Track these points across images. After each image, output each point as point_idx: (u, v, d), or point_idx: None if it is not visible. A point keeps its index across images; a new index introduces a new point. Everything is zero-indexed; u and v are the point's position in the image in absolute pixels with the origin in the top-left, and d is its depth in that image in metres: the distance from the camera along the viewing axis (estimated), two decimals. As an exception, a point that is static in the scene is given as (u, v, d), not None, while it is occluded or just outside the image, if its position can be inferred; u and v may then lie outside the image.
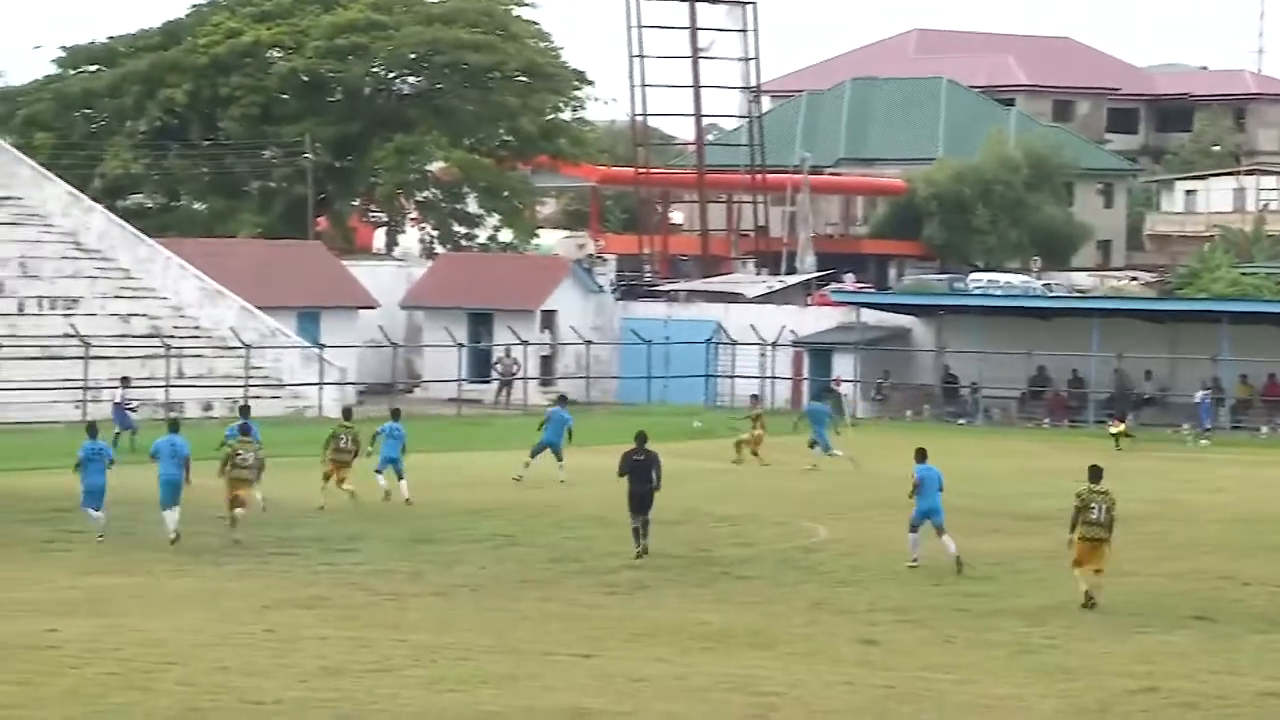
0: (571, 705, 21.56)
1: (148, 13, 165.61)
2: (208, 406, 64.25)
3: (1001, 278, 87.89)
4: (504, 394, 75.11)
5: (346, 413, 44.11)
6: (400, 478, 41.16)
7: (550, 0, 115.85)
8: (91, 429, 37.11)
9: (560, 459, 45.89)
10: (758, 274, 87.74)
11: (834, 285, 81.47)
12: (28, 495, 40.52)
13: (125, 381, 55.96)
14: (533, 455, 46.19)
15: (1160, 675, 24.39)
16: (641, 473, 34.33)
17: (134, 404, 54.37)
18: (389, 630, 26.26)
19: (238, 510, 35.40)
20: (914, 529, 33.08)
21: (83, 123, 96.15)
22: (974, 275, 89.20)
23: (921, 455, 33.64)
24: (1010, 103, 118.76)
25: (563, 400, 50.12)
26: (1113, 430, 59.38)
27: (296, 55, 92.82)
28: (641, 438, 35.16)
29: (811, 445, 51.49)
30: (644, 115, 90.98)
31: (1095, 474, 30.00)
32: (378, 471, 41.17)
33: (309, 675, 23.10)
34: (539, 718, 20.93)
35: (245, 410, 43.73)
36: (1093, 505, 29.53)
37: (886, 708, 22.16)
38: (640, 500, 34.14)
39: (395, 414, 43.63)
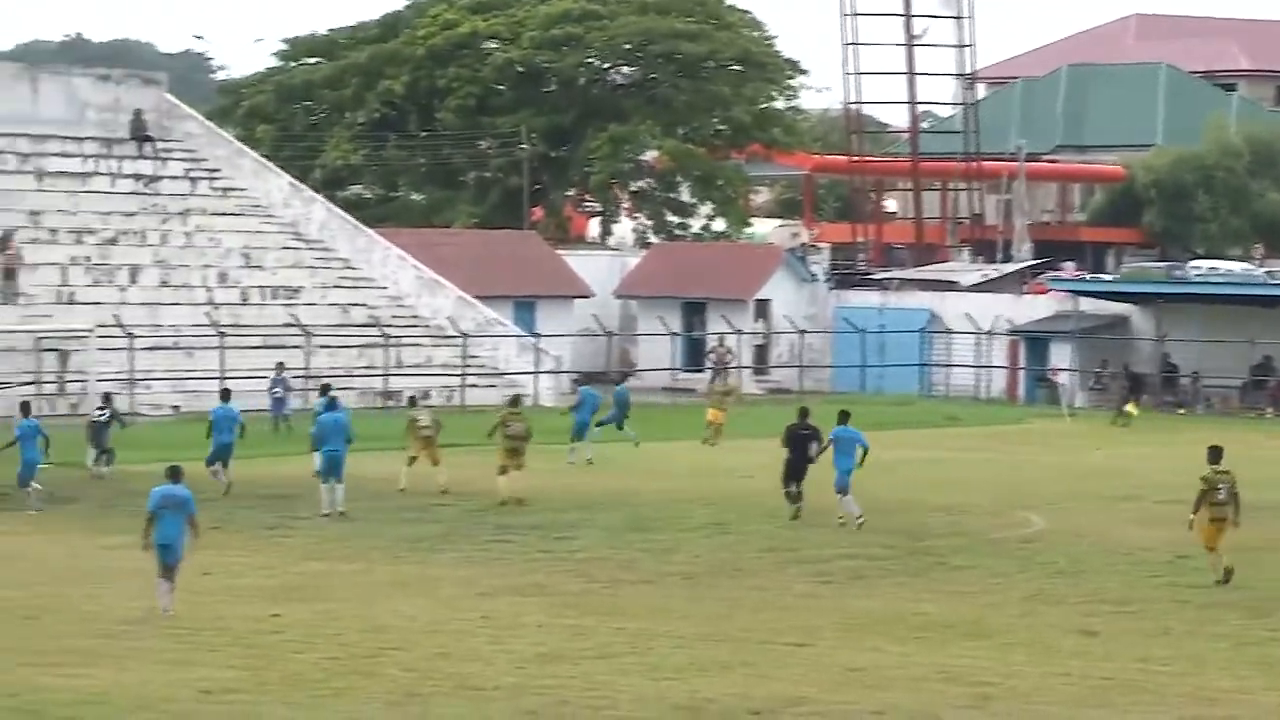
0: (788, 694, 21.53)
1: (367, 5, 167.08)
2: (425, 395, 64.75)
3: (1222, 265, 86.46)
4: (720, 383, 74.99)
5: (515, 401, 44.48)
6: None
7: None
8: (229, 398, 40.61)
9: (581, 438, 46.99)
10: (973, 262, 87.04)
11: (1051, 273, 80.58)
12: (253, 481, 41.06)
13: (280, 367, 56.43)
14: (575, 439, 46.93)
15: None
16: (801, 445, 36.63)
17: (279, 392, 54.78)
18: (605, 617, 26.37)
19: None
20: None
21: (303, 114, 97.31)
22: (1194, 263, 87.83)
23: (843, 418, 37.22)
24: (1232, 88, 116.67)
25: (588, 379, 49.31)
26: None
27: (512, 46, 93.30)
28: (804, 413, 37.58)
29: None
30: (858, 103, 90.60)
31: (1215, 454, 30.34)
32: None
33: (526, 661, 23.25)
34: (755, 706, 20.91)
35: (326, 389, 44.13)
36: (1219, 486, 29.86)
37: (1105, 699, 21.90)
38: (796, 469, 36.65)
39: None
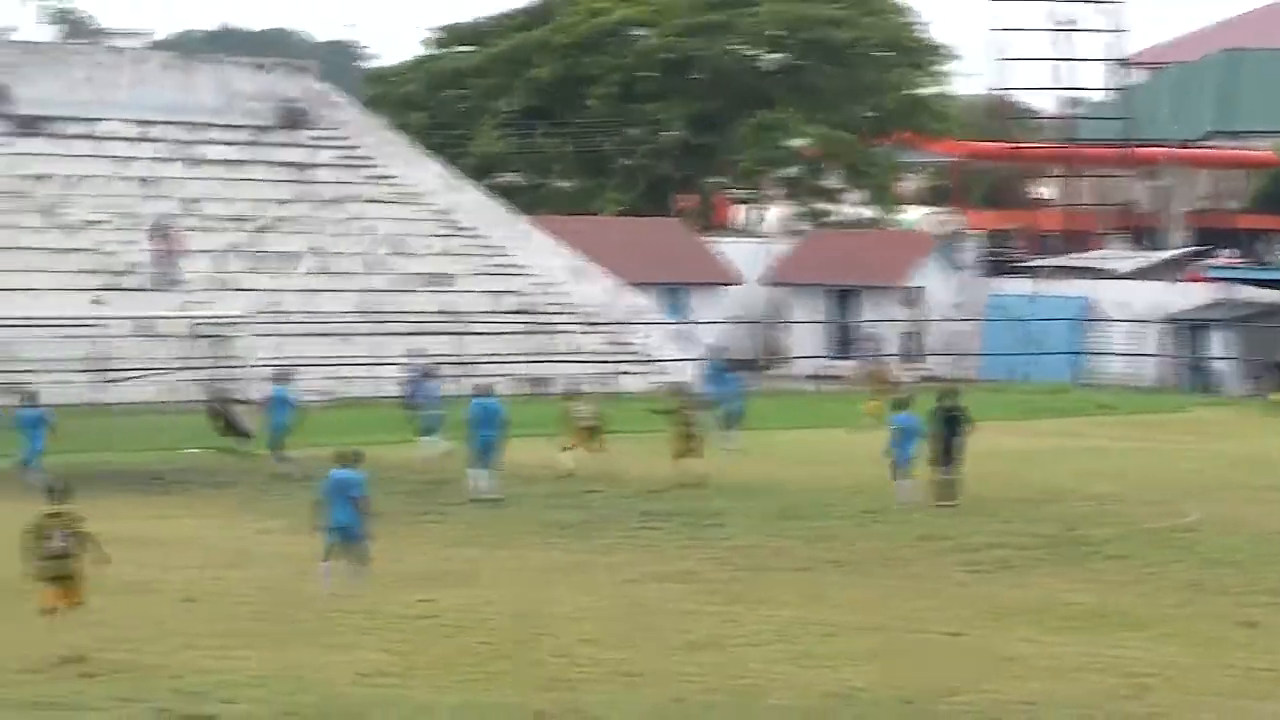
0: (940, 684, 21.41)
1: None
2: (576, 381, 64.92)
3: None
4: (867, 370, 74.83)
5: (677, 390, 44.60)
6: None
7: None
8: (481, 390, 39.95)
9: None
10: (1127, 250, 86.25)
11: (1208, 260, 79.74)
12: (405, 467, 41.33)
13: (415, 355, 56.44)
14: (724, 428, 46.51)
15: None
16: (951, 426, 36.87)
17: (414, 379, 54.78)
18: (754, 605, 26.31)
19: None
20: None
21: (453, 102, 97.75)
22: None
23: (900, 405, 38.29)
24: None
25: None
26: None
27: (658, 33, 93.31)
28: (951, 394, 37.96)
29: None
30: (1008, 89, 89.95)
31: None
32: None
33: (675, 649, 23.23)
34: (907, 695, 20.82)
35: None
36: None
37: (1267, 690, 21.59)
38: (948, 453, 36.71)
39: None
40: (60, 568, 22.72)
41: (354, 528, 26.85)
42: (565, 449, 41.60)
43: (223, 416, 45.58)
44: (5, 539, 24.51)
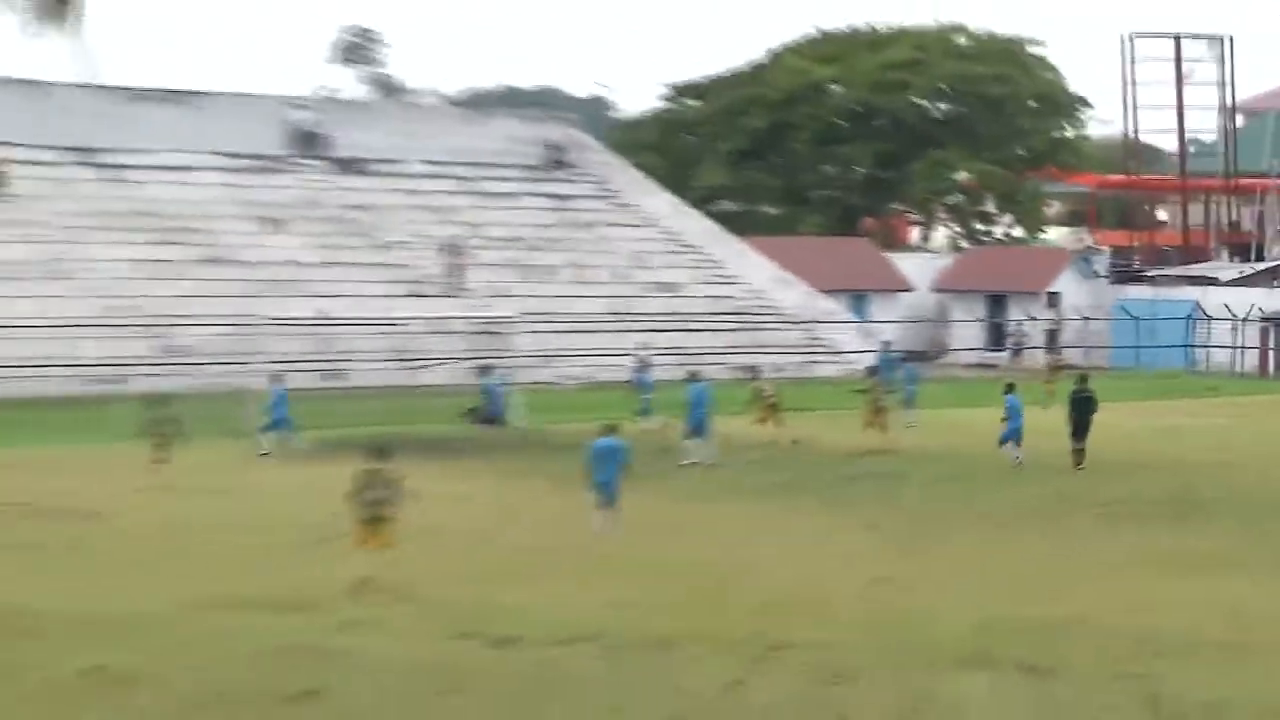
0: (1076, 615, 21.11)
1: (735, 56, 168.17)
2: (779, 369, 64.80)
3: None
4: (1015, 361, 74.18)
5: (871, 369, 44.15)
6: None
7: (1058, 37, 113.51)
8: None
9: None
10: (1231, 262, 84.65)
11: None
12: (644, 439, 41.29)
13: (640, 347, 56.40)
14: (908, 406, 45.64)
15: None
16: (1082, 407, 36.38)
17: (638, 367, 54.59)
18: (927, 550, 26.08)
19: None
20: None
21: (683, 145, 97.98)
22: None
23: (1009, 388, 37.85)
24: None
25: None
26: None
27: (851, 89, 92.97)
28: (1083, 379, 37.50)
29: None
30: (1135, 132, 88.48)
31: None
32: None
33: (862, 585, 23.08)
34: (1046, 623, 20.57)
35: (695, 374, 43.48)
36: None
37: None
38: (1080, 428, 36.18)
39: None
40: (374, 512, 22.97)
41: (612, 485, 27.05)
42: (759, 423, 41.37)
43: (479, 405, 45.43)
44: (328, 492, 24.99)
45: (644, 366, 49.83)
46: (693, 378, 39.49)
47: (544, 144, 73.80)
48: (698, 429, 37.46)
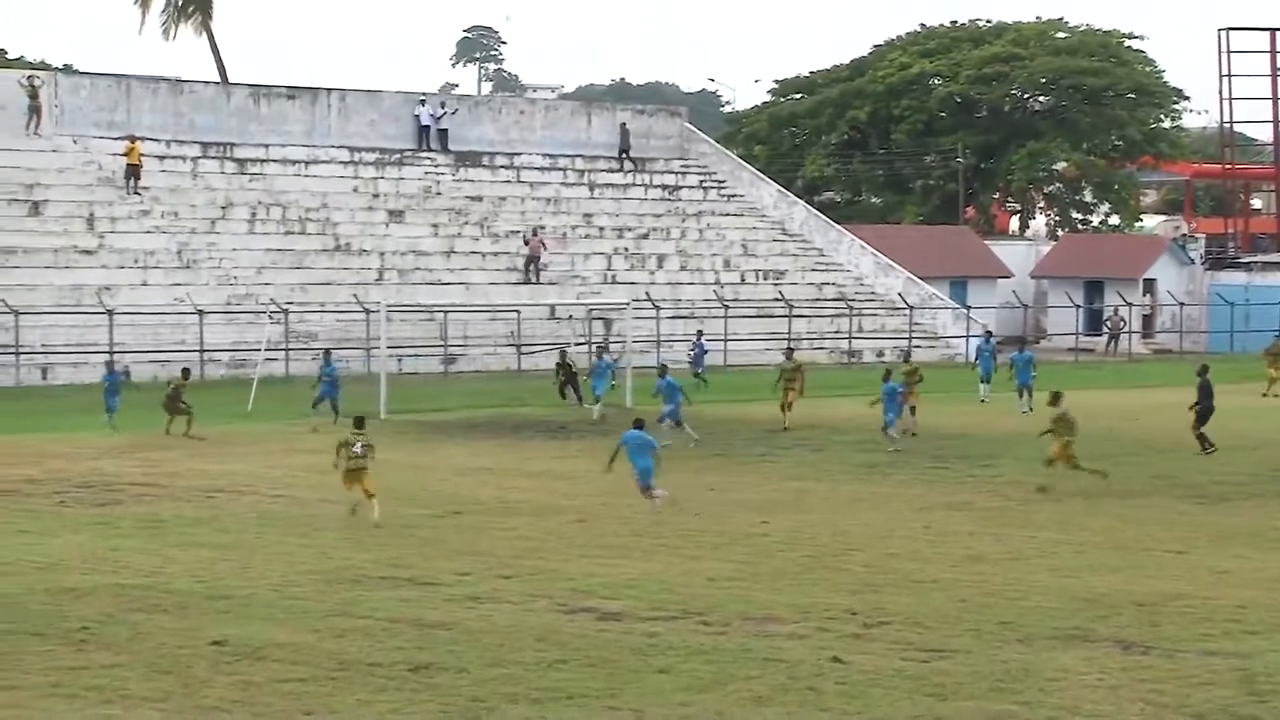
0: (1166, 591, 20.82)
1: (840, 51, 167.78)
2: (880, 354, 64.57)
3: None
4: (1112, 345, 73.41)
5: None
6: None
7: (1156, 30, 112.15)
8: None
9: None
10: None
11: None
12: (748, 421, 41.33)
13: (699, 334, 55.86)
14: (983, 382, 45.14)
15: None
16: (1205, 393, 35.36)
17: (695, 351, 54.02)
18: (1019, 528, 25.83)
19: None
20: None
21: (789, 137, 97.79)
22: None
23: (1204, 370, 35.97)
24: None
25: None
26: None
27: (952, 82, 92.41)
28: (1204, 369, 36.14)
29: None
30: (1230, 122, 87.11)
31: None
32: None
33: (958, 562, 22.92)
34: (1140, 599, 20.28)
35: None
36: None
37: None
38: (1204, 414, 35.18)
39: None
40: (355, 464, 25.96)
41: (649, 472, 26.81)
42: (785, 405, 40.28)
43: (565, 375, 45.36)
44: (441, 470, 24.99)
45: (702, 351, 50.16)
46: (662, 372, 38.03)
47: (653, 137, 73.70)
48: (671, 416, 36.03)
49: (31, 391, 48.72)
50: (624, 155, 71.47)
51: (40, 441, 36.36)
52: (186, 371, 40.88)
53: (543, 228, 64.05)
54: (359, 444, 26.06)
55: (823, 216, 73.70)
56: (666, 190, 71.46)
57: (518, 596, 20.22)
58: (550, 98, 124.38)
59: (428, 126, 68.21)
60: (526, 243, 62.54)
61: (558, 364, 45.77)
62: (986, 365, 47.89)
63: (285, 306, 54.98)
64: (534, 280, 61.58)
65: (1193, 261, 78.00)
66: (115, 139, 60.78)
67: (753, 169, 76.43)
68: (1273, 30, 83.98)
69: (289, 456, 33.88)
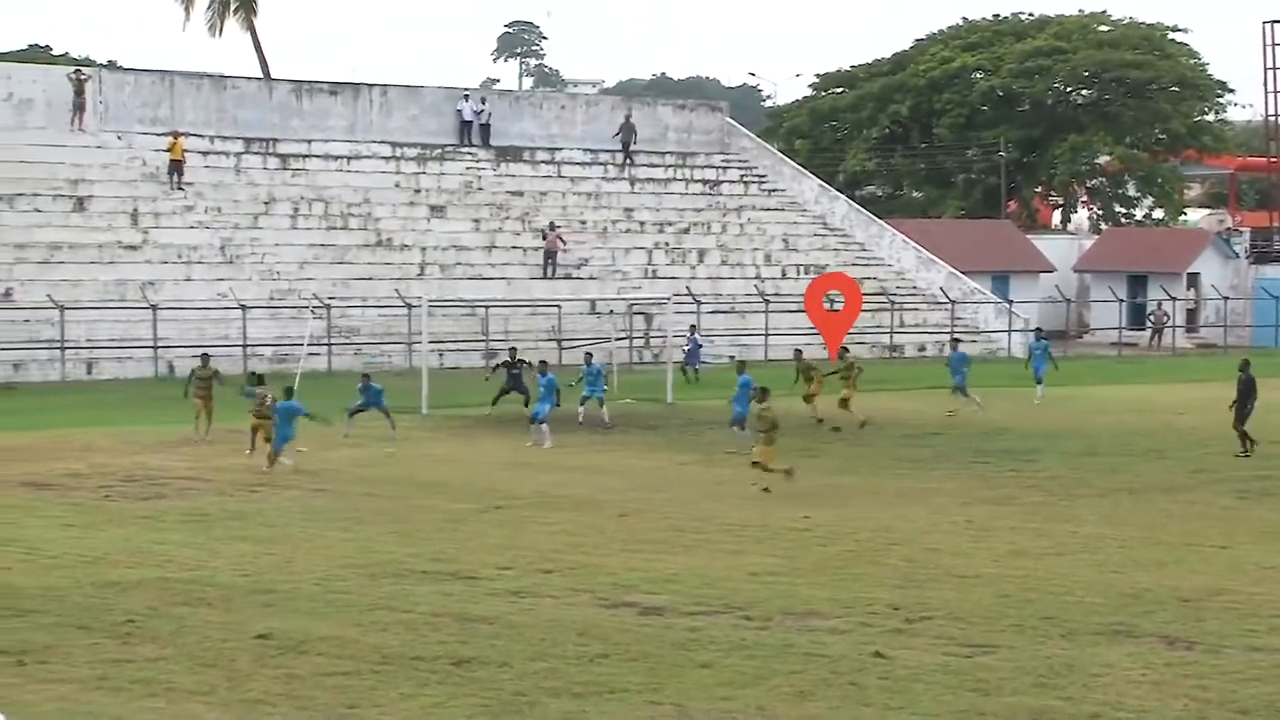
0: (1211, 586, 20.72)
1: (881, 45, 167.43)
2: (921, 348, 64.43)
3: None
4: (1156, 340, 73.08)
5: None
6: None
7: (1200, 23, 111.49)
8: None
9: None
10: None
11: None
12: (789, 414, 41.11)
13: (693, 329, 55.72)
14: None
15: None
16: (1245, 391, 34.63)
17: (689, 347, 53.69)
18: (1063, 523, 25.75)
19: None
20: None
21: (830, 132, 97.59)
22: None
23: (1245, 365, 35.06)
24: None
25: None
26: None
27: (994, 76, 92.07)
28: (1245, 365, 35.26)
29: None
30: (1275, 115, 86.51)
31: None
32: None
33: (1000, 556, 22.85)
34: (1184, 595, 20.18)
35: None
36: None
37: None
38: (1242, 413, 34.44)
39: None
40: (262, 425, 31.38)
41: None
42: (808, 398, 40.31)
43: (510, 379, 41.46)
44: (484, 464, 25.00)
45: (698, 345, 50.11)
46: (543, 368, 37.03)
47: (694, 131, 73.65)
48: (537, 415, 35.52)
49: (77, 386, 49.04)
50: (626, 150, 70.65)
51: (85, 435, 36.57)
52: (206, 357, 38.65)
53: (560, 225, 63.85)
54: (263, 407, 31.18)
55: (864, 211, 73.54)
56: (707, 185, 71.42)
57: (559, 591, 20.24)
58: (591, 93, 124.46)
59: (470, 121, 68.33)
60: (544, 238, 62.52)
61: (503, 364, 42.07)
62: (1039, 365, 46.41)
63: (327, 302, 55.18)
64: (551, 275, 61.49)
65: (1237, 255, 77.57)
66: (159, 135, 61.12)
67: (794, 163, 76.32)
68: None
69: (330, 451, 33.97)
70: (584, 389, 39.44)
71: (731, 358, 58.52)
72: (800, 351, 43.69)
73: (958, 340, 48.43)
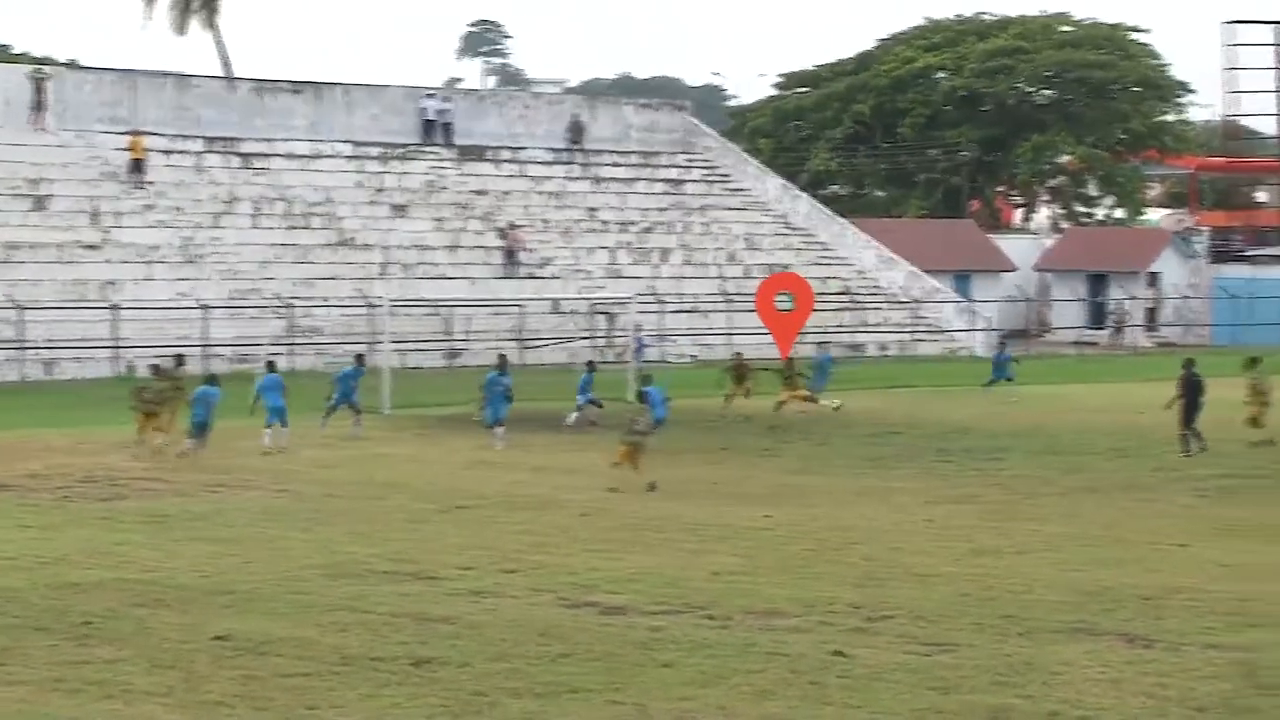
0: (1170, 584, 20.77)
1: (845, 45, 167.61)
2: (883, 347, 64.56)
3: None
4: (1117, 338, 73.41)
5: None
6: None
7: (1161, 23, 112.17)
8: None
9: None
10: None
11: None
12: (751, 415, 41.26)
13: (637, 327, 55.52)
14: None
15: None
16: (1193, 391, 34.31)
17: (637, 345, 53.51)
18: (1024, 522, 25.80)
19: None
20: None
21: (793, 131, 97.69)
22: None
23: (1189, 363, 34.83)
24: None
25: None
26: None
27: (957, 75, 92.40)
28: (1189, 364, 35.08)
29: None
30: (1235, 115, 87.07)
31: None
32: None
33: (961, 555, 22.87)
34: (1145, 593, 20.24)
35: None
36: None
37: None
38: (1190, 412, 34.14)
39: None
40: (149, 409, 32.95)
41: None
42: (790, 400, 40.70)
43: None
44: (443, 464, 24.95)
45: (642, 345, 50.09)
46: (500, 365, 37.10)
47: (658, 130, 73.64)
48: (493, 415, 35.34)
49: (36, 386, 48.74)
50: (574, 148, 70.44)
51: (44, 436, 36.35)
52: (156, 368, 37.22)
53: (522, 224, 63.73)
54: (151, 393, 32.55)
55: (826, 210, 73.67)
56: (670, 184, 71.42)
57: (521, 591, 20.18)
58: (555, 92, 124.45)
59: (433, 121, 68.20)
60: (504, 237, 62.44)
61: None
62: (1001, 374, 47.35)
63: (289, 301, 54.97)
64: (514, 275, 61.42)
65: (1197, 255, 77.96)
66: (120, 134, 60.83)
67: (757, 163, 76.41)
68: (1277, 23, 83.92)
69: (292, 451, 33.85)
70: (579, 398, 39.43)
71: (694, 357, 58.63)
72: (740, 354, 43.65)
73: (826, 343, 48.77)
